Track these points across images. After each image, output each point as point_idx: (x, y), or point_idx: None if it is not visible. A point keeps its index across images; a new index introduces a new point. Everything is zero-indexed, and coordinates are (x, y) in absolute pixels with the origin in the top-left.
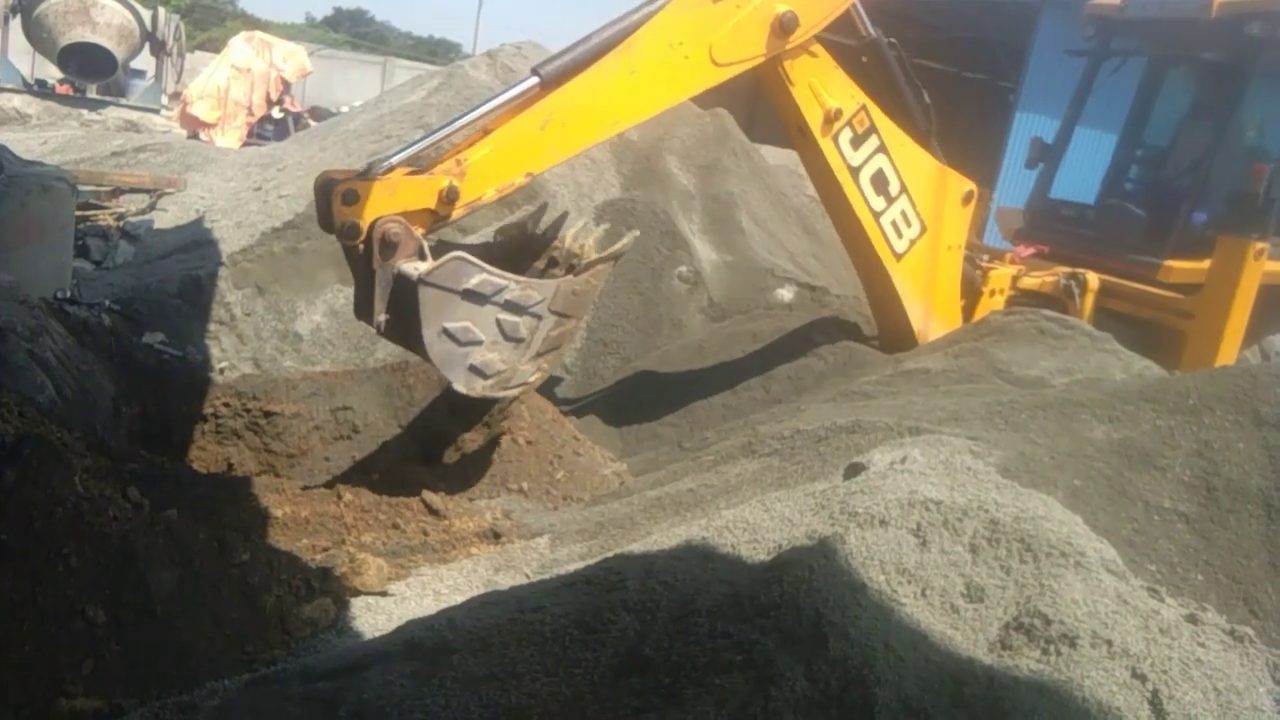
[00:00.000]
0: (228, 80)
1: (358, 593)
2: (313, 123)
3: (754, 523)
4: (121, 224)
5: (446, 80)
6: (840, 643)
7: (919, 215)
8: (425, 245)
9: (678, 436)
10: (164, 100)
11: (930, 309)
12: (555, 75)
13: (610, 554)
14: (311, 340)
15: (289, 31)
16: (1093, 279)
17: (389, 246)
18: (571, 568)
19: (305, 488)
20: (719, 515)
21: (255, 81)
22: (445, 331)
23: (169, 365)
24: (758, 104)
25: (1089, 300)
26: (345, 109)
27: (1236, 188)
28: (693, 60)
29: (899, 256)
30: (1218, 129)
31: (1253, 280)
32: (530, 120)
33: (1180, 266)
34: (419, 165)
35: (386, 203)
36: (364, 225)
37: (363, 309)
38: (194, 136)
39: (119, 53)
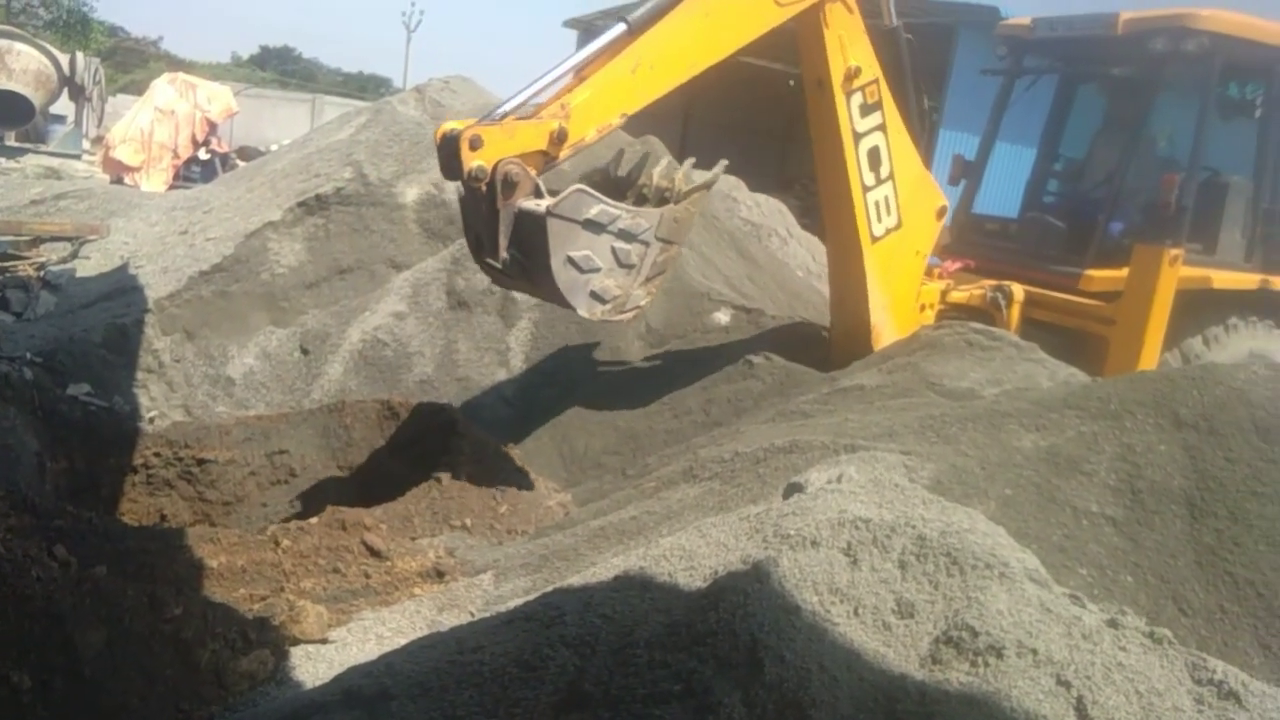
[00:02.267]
0: (151, 123)
1: (297, 641)
2: (241, 163)
3: (690, 550)
4: (42, 274)
5: (374, 116)
6: (776, 667)
7: (898, 208)
8: (541, 184)
9: (621, 464)
10: (85, 145)
11: (889, 307)
12: (641, 22)
13: (551, 588)
14: (244, 384)
15: (215, 71)
16: (1018, 291)
17: (510, 186)
18: (516, 603)
19: (241, 536)
20: (656, 544)
21: (180, 123)
22: (569, 260)
23: (95, 417)
24: (689, 128)
25: (1015, 311)
26: (274, 148)
27: (1150, 198)
28: (759, 3)
29: (874, 239)
30: (1129, 141)
31: (1169, 286)
32: (622, 65)
33: (1100, 275)
34: (526, 114)
35: (506, 145)
36: (489, 167)
37: (482, 250)
38: (118, 181)
39: (36, 98)
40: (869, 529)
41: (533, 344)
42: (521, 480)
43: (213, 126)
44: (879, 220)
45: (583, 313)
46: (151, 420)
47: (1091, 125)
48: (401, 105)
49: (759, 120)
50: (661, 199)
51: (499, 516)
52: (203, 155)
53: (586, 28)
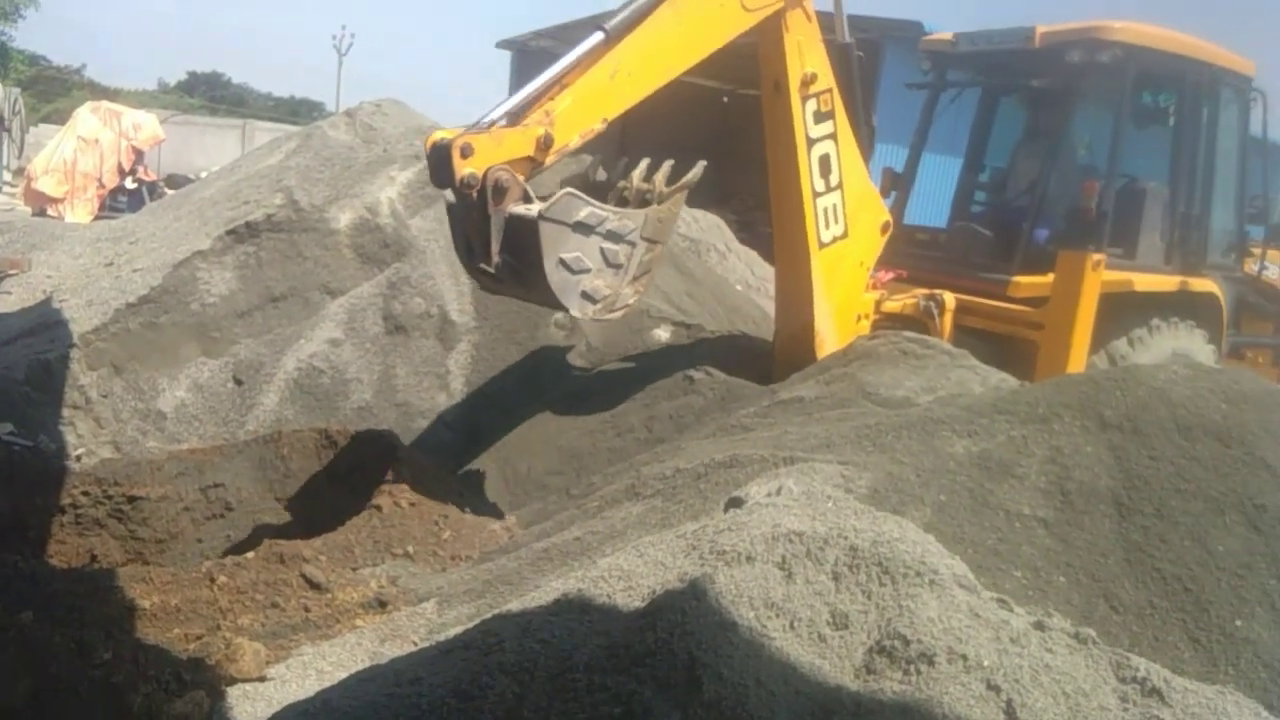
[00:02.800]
0: (74, 152)
1: (234, 681)
2: (169, 191)
3: (629, 570)
4: None
5: (305, 141)
6: (714, 684)
7: (845, 218)
8: (529, 190)
9: (565, 484)
10: (6, 177)
11: (833, 314)
12: (617, 29)
13: (490, 615)
14: (176, 417)
15: (141, 98)
16: (950, 299)
17: (500, 192)
18: (458, 630)
19: (175, 574)
20: (595, 565)
21: (105, 152)
22: (561, 262)
23: (19, 457)
24: (627, 147)
25: (948, 319)
26: (204, 175)
27: (1072, 204)
28: (728, 8)
29: (822, 245)
30: (1050, 151)
31: (1093, 290)
32: (601, 72)
33: (1027, 281)
34: (512, 114)
35: (495, 153)
36: (480, 174)
37: (473, 256)
38: (41, 213)
39: None
40: (803, 542)
41: (473, 367)
42: (464, 505)
43: (139, 155)
44: (827, 227)
45: (575, 312)
46: (79, 458)
47: (1014, 136)
48: (332, 129)
49: (695, 137)
50: (643, 200)
51: (442, 543)
52: (129, 184)
53: (520, 49)
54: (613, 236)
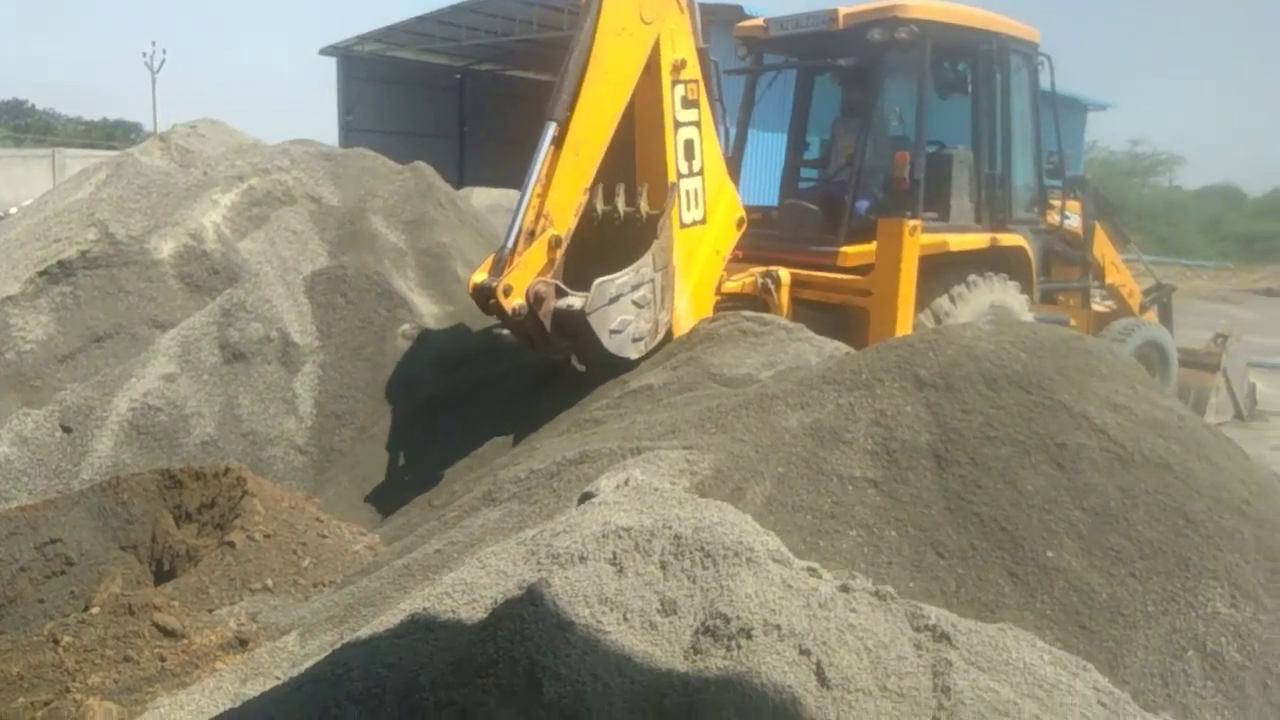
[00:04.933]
0: None
1: None
2: None
3: (472, 583)
4: None
5: (116, 170)
6: (553, 685)
7: (704, 205)
8: (560, 284)
9: (427, 496)
10: None
11: (690, 294)
12: (562, 110)
13: (340, 644)
14: (1, 475)
15: None
16: (785, 275)
17: (539, 300)
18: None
19: (15, 640)
20: (440, 581)
21: None
22: (612, 331)
23: None
24: (466, 147)
25: (784, 294)
26: (14, 210)
27: (887, 175)
28: (634, 33)
29: (683, 225)
30: (863, 125)
31: (913, 254)
32: (568, 154)
33: (853, 251)
34: (523, 233)
35: (526, 277)
36: (525, 302)
37: (534, 345)
38: None
39: None
40: (631, 536)
41: (320, 388)
42: (324, 529)
43: None
44: (688, 209)
45: (634, 357)
46: None
47: (831, 113)
48: (145, 155)
49: (536, 131)
50: (632, 220)
51: (302, 571)
52: None
53: (345, 54)
54: (636, 287)
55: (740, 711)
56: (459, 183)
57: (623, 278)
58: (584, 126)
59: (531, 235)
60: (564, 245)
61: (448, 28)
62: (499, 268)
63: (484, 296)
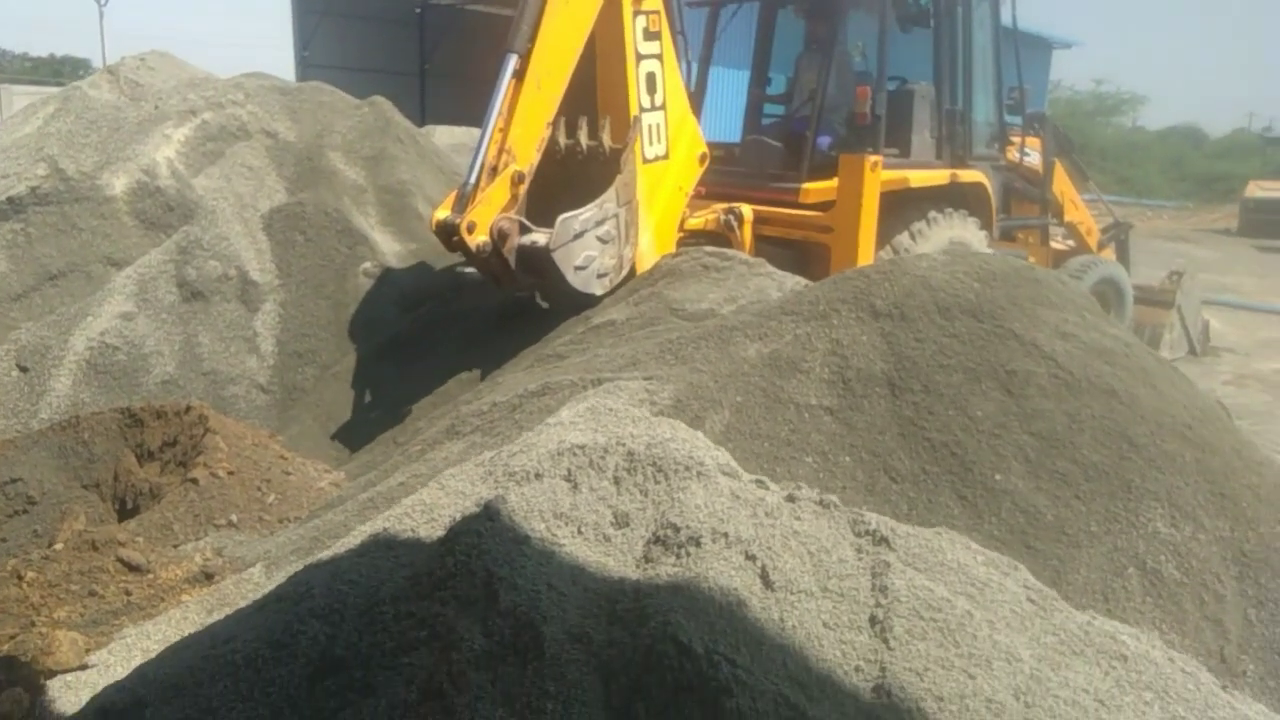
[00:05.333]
0: None
1: (53, 673)
2: None
3: (431, 503)
4: None
5: (64, 104)
6: (509, 594)
7: (667, 140)
8: (524, 220)
9: (392, 434)
10: None
11: (653, 229)
12: (524, 44)
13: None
14: None
15: None
16: (747, 211)
17: (503, 237)
18: None
19: None
20: (399, 503)
21: None
22: (576, 267)
23: None
24: (428, 83)
25: (747, 231)
26: None
27: (848, 111)
28: None
29: (645, 161)
30: (825, 60)
31: (874, 190)
32: (529, 87)
33: (815, 187)
34: (485, 168)
35: (489, 213)
36: (489, 237)
37: (500, 283)
38: None
39: None
40: (585, 454)
41: (282, 326)
42: (288, 466)
43: None
44: (650, 144)
45: (599, 293)
46: None
47: (793, 48)
48: (93, 89)
49: (498, 69)
50: (595, 154)
51: (267, 507)
52: None
53: None
54: (600, 223)
55: (689, 613)
56: (421, 120)
57: (586, 213)
58: (545, 58)
59: (494, 171)
60: (527, 181)
61: None
62: (462, 204)
63: (447, 233)
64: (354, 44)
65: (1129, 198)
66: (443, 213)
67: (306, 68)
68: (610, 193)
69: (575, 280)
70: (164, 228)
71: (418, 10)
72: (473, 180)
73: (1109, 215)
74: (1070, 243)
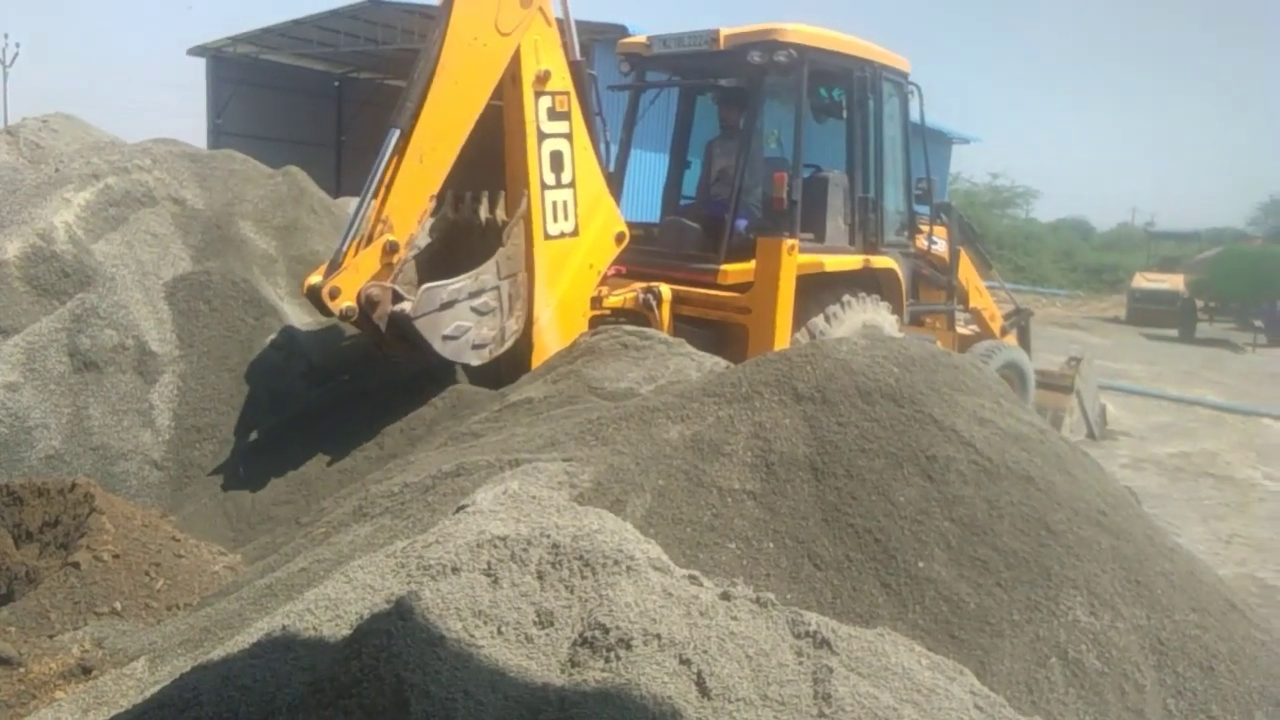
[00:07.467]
0: None
1: None
2: None
3: (336, 598)
4: None
5: None
6: (422, 703)
7: (576, 218)
8: (397, 289)
9: (294, 513)
10: None
11: (555, 307)
12: (406, 119)
13: (189, 668)
14: None
15: None
16: (666, 290)
17: (373, 305)
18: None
19: None
20: (302, 597)
21: None
22: (444, 337)
23: None
24: (344, 155)
25: (665, 310)
26: None
27: (765, 195)
28: (488, 43)
29: (546, 237)
30: (743, 145)
31: (790, 273)
32: (411, 160)
33: (733, 269)
34: (359, 237)
35: (356, 280)
36: (355, 304)
37: (381, 348)
38: None
39: None
40: (507, 545)
41: (180, 399)
42: (179, 549)
43: None
44: (554, 221)
45: (475, 363)
46: None
47: (711, 131)
48: None
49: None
50: (492, 228)
51: (155, 593)
52: None
53: (215, 55)
54: (475, 294)
55: None
56: (336, 192)
57: (456, 284)
58: (429, 135)
59: (369, 239)
60: (402, 250)
61: (325, 33)
62: (331, 270)
63: (314, 298)
64: (269, 113)
65: (1025, 285)
66: (315, 278)
67: (220, 135)
68: (490, 264)
69: (444, 349)
70: (58, 294)
71: (336, 84)
72: (344, 248)
73: (1010, 302)
74: (974, 328)
